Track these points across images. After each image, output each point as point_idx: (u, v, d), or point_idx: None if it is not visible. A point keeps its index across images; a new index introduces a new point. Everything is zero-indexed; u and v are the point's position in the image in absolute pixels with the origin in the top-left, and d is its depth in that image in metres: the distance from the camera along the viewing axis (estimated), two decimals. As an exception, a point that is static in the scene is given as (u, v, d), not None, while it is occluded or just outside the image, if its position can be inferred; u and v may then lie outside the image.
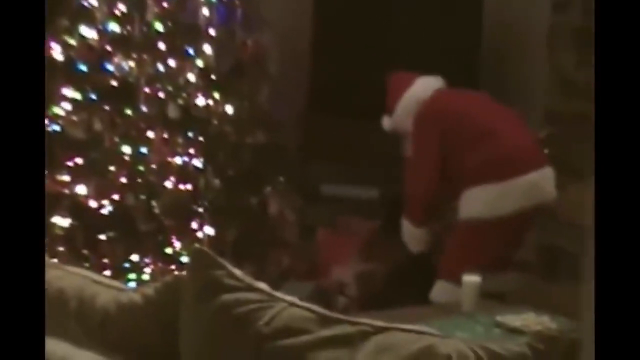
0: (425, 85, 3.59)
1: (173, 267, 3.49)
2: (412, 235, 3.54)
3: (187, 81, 3.67)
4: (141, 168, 3.54)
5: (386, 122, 3.66)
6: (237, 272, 1.62)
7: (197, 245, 1.72)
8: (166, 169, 3.60)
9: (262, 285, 1.64)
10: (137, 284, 3.20)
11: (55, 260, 2.95)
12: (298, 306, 1.58)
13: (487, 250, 3.44)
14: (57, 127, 3.41)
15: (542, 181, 3.47)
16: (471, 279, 3.20)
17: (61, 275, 1.82)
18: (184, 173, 3.64)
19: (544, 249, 4.37)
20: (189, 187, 3.65)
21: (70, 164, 3.38)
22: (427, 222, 3.52)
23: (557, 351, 2.70)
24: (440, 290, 3.41)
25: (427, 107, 3.51)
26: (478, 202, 3.38)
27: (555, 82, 4.57)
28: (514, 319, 3.00)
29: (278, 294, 1.61)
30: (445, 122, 3.45)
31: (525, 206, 3.40)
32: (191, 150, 3.67)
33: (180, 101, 3.63)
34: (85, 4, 3.49)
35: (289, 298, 1.60)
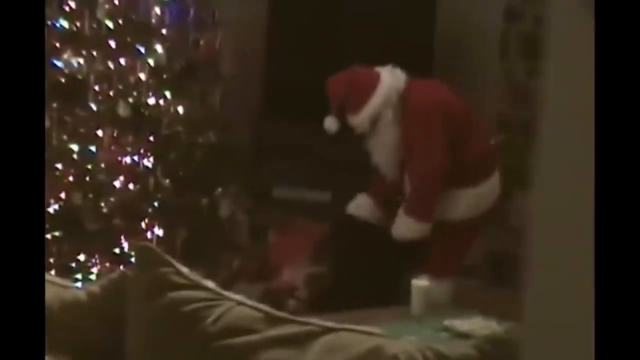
0: (394, 75, 3.55)
1: (121, 267, 3.44)
2: (417, 230, 3.44)
3: (138, 80, 3.63)
4: (89, 167, 3.49)
5: (332, 123, 3.57)
6: (185, 269, 1.60)
7: (142, 242, 1.68)
8: (115, 168, 3.55)
9: (210, 283, 1.62)
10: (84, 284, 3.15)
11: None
12: (246, 305, 1.57)
13: (468, 249, 3.68)
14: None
15: (497, 183, 3.62)
16: (420, 283, 3.21)
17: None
18: (134, 172, 3.60)
19: (491, 255, 4.40)
20: (138, 186, 3.60)
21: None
22: (431, 216, 3.46)
23: (504, 353, 2.71)
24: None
25: (421, 97, 3.47)
26: (467, 202, 3.50)
27: (507, 89, 4.63)
28: (462, 324, 3.01)
29: (226, 293, 1.60)
30: (445, 112, 3.46)
31: (488, 207, 3.57)
32: (141, 150, 3.62)
33: (131, 100, 3.58)
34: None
35: (236, 297, 1.59)
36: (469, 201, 3.50)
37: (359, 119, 3.52)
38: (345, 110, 3.57)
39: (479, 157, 3.53)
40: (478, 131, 3.60)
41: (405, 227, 3.48)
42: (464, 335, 2.92)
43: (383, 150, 3.54)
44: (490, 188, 3.56)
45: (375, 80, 3.53)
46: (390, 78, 3.54)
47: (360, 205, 3.66)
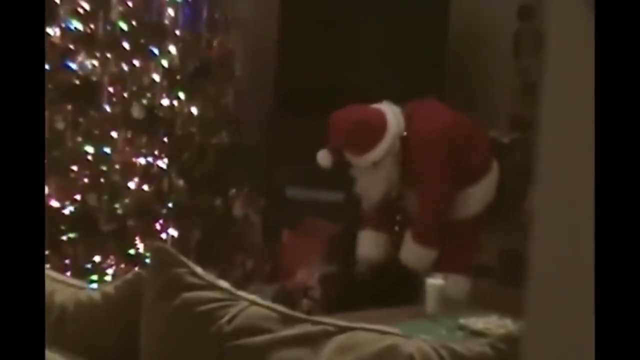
0: (397, 119, 3.54)
1: (136, 268, 3.45)
2: (425, 257, 3.49)
3: (152, 81, 3.64)
4: (104, 168, 3.50)
5: (326, 158, 3.42)
6: (199, 270, 1.60)
7: (158, 243, 1.69)
8: (130, 170, 3.56)
9: (224, 283, 1.62)
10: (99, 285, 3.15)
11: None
12: (260, 305, 1.57)
13: (479, 244, 3.71)
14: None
15: (497, 174, 3.66)
16: (434, 281, 3.21)
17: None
18: (148, 173, 3.61)
19: (505, 254, 4.40)
20: (152, 187, 3.62)
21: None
22: (437, 243, 3.53)
23: (519, 352, 2.71)
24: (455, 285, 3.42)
25: (422, 129, 3.49)
26: (475, 198, 3.55)
27: (520, 87, 4.61)
28: (477, 322, 3.01)
29: (240, 293, 1.60)
30: (446, 138, 3.48)
31: (492, 198, 3.63)
32: (155, 151, 3.64)
33: (145, 101, 3.60)
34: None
35: (250, 297, 1.59)
36: (477, 197, 3.56)
37: (362, 161, 3.48)
38: (346, 149, 3.51)
39: (481, 158, 3.59)
40: (478, 137, 3.63)
41: (413, 254, 3.51)
42: (479, 334, 2.91)
43: (382, 184, 3.52)
44: (492, 180, 3.62)
45: (383, 126, 3.47)
46: (395, 124, 3.50)
47: (371, 245, 3.63)
